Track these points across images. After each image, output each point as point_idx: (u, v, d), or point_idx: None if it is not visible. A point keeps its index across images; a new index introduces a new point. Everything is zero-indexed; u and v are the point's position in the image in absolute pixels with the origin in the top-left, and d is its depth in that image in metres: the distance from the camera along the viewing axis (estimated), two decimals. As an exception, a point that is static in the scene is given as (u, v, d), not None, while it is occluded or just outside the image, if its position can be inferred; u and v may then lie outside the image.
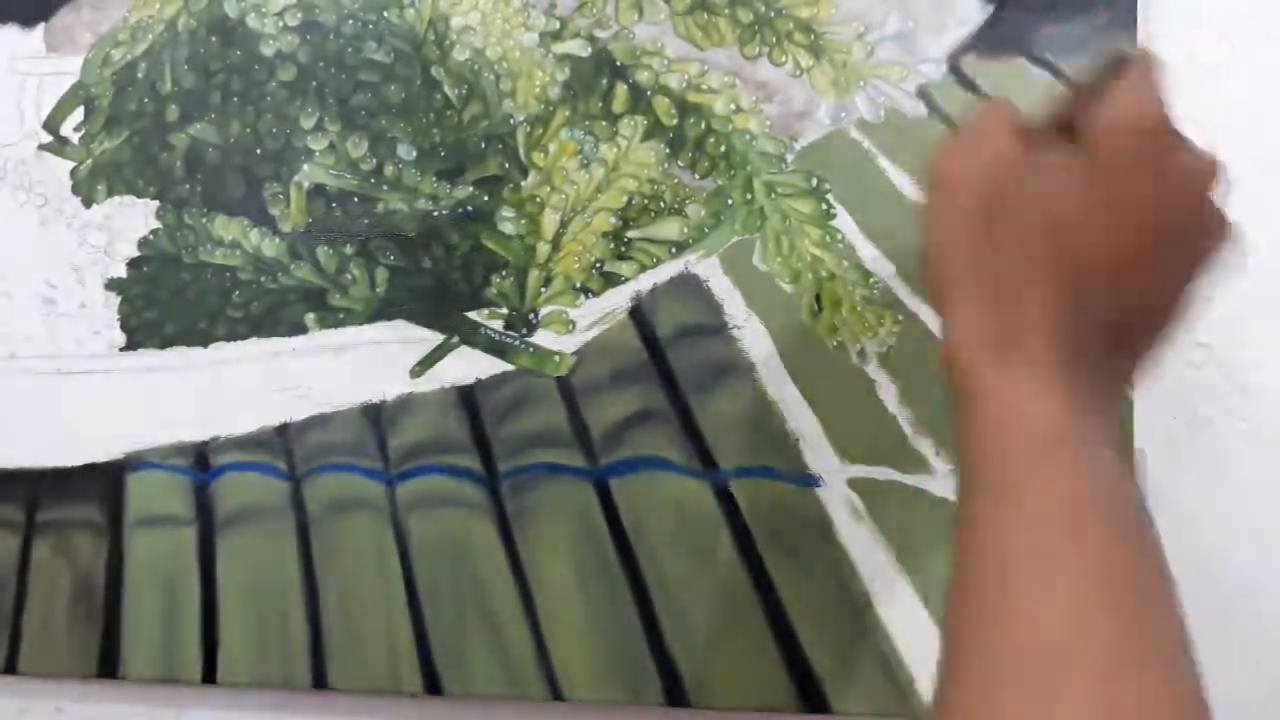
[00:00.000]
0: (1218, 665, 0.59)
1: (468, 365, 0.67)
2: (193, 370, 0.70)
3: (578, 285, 0.65)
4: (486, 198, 0.67)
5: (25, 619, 0.71)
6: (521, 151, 0.66)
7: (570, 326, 0.65)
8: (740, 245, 0.64)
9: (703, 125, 0.64)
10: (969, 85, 0.61)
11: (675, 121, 0.65)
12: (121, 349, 0.72)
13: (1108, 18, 0.60)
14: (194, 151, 0.71)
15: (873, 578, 0.61)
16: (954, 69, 0.62)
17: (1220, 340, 0.60)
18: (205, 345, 0.70)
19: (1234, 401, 0.60)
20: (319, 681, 0.67)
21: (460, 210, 0.67)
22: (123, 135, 0.72)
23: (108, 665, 0.70)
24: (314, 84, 0.69)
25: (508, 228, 0.66)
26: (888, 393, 0.61)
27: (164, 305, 0.71)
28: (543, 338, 0.66)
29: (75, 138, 0.73)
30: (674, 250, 0.64)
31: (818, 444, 0.62)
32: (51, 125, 0.73)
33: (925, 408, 0.61)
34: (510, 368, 0.66)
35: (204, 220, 0.70)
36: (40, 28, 0.74)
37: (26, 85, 0.74)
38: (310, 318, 0.69)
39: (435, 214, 0.67)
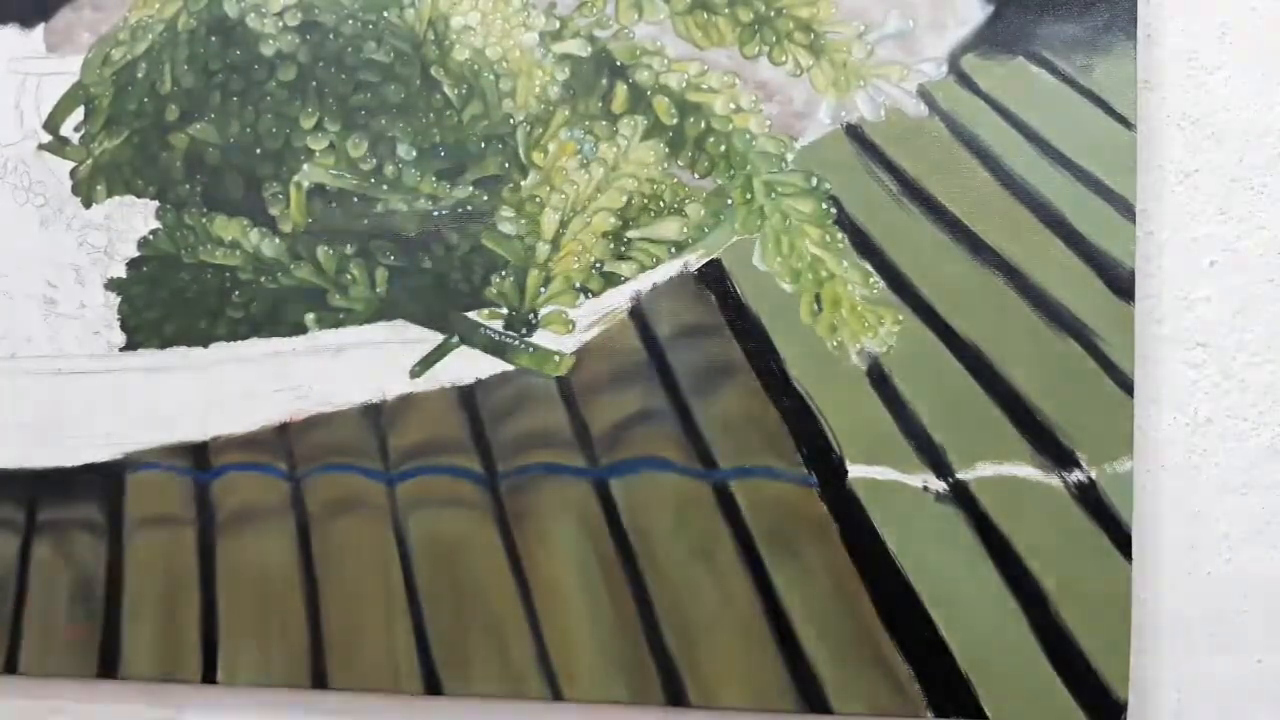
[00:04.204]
0: (1218, 664, 0.60)
1: (468, 365, 0.67)
2: (193, 370, 0.70)
3: (578, 285, 0.65)
4: (486, 198, 0.67)
5: (25, 619, 0.72)
6: (521, 151, 0.66)
7: (570, 326, 0.65)
8: (740, 245, 0.64)
9: (702, 125, 0.64)
10: (969, 84, 0.61)
11: (675, 121, 0.65)
12: (121, 349, 0.72)
13: (1108, 18, 0.60)
14: (194, 151, 0.71)
15: (873, 578, 0.61)
16: (954, 68, 0.62)
17: (1220, 340, 0.60)
18: (205, 345, 0.70)
19: (1234, 401, 0.60)
20: (319, 681, 0.67)
21: (460, 210, 0.67)
22: (123, 135, 0.72)
23: (108, 665, 0.70)
24: (314, 84, 0.69)
25: (508, 228, 0.66)
26: (888, 393, 0.61)
27: (164, 305, 0.71)
28: (543, 338, 0.66)
29: (75, 138, 0.73)
30: (674, 250, 0.64)
31: (818, 444, 0.62)
32: (51, 125, 0.73)
33: (926, 407, 0.61)
34: (510, 368, 0.66)
35: (204, 220, 0.70)
36: (40, 28, 0.74)
37: (26, 85, 0.74)
38: (310, 318, 0.69)
39: (435, 214, 0.67)
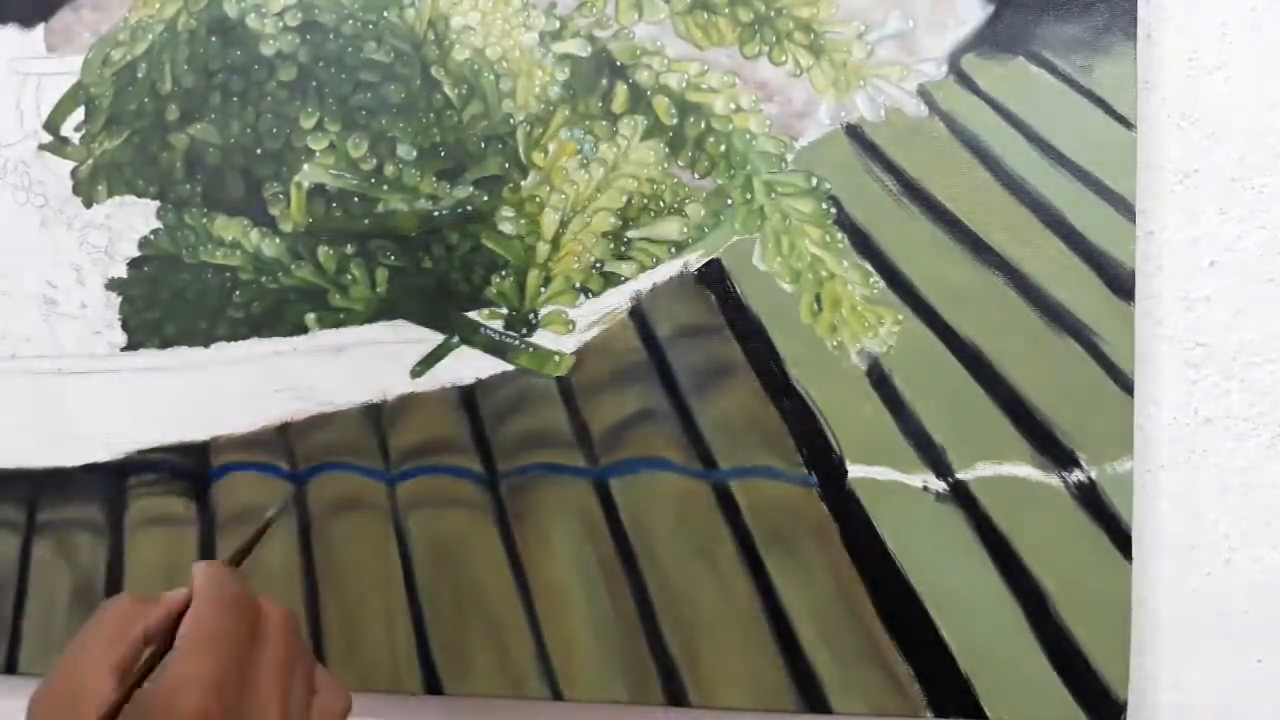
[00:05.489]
0: (1218, 664, 0.60)
1: (468, 365, 0.67)
2: (193, 370, 0.70)
3: (578, 285, 0.65)
4: (486, 198, 0.67)
5: (25, 619, 0.72)
6: (521, 151, 0.66)
7: (570, 326, 0.65)
8: (740, 245, 0.64)
9: (702, 125, 0.64)
10: (969, 84, 0.61)
11: (675, 121, 0.65)
12: (122, 349, 0.72)
13: (1108, 18, 0.60)
14: (194, 151, 0.71)
15: (873, 578, 0.61)
16: (954, 68, 0.62)
17: (1220, 340, 0.60)
18: (206, 345, 0.70)
19: (1234, 401, 0.60)
20: (319, 681, 0.67)
21: (460, 210, 0.67)
22: (123, 135, 0.72)
23: (108, 665, 0.70)
24: (314, 84, 0.69)
25: (508, 228, 0.66)
26: (888, 393, 0.61)
27: (164, 305, 0.71)
28: (543, 338, 0.66)
29: (75, 138, 0.73)
30: (674, 250, 0.64)
31: (818, 444, 0.62)
32: (52, 125, 0.73)
33: (926, 407, 0.61)
34: (510, 368, 0.66)
35: (204, 220, 0.70)
36: (40, 28, 0.74)
37: (26, 85, 0.74)
38: (310, 318, 0.69)
39: (435, 214, 0.67)
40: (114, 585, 0.70)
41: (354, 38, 0.68)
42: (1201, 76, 0.60)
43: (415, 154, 0.68)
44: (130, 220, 0.72)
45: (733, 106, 0.64)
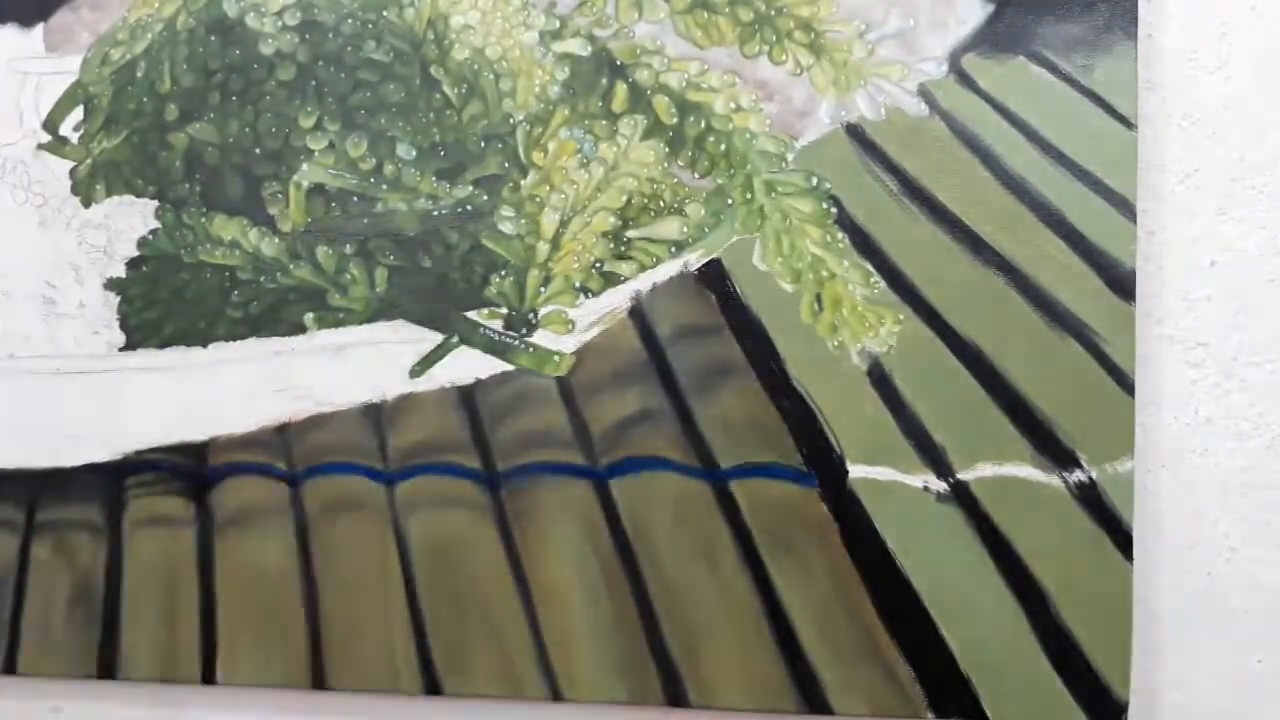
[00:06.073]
0: (1219, 663, 0.60)
1: (468, 365, 0.67)
2: (193, 370, 0.70)
3: (577, 285, 0.65)
4: (486, 197, 0.67)
5: (25, 619, 0.71)
6: (521, 151, 0.66)
7: (570, 326, 0.65)
8: (740, 245, 0.64)
9: (702, 124, 0.64)
10: (970, 84, 0.61)
11: (675, 120, 0.65)
12: (121, 349, 0.72)
13: (1108, 17, 0.60)
14: (193, 151, 0.71)
15: (873, 578, 0.61)
16: (955, 68, 0.62)
17: (1220, 340, 0.60)
18: (205, 345, 0.70)
19: (1234, 401, 0.60)
20: (319, 681, 0.67)
21: (460, 210, 0.67)
22: (122, 135, 0.72)
23: (107, 665, 0.70)
24: (313, 83, 0.69)
25: (507, 227, 0.66)
26: (888, 393, 0.61)
27: (163, 305, 0.71)
28: (542, 338, 0.66)
29: (74, 137, 0.73)
30: (674, 250, 0.64)
31: (818, 444, 0.62)
32: (51, 125, 0.73)
33: (926, 407, 0.61)
34: (510, 368, 0.66)
35: (203, 220, 0.70)
36: (40, 28, 0.74)
37: (26, 85, 0.74)
38: (310, 318, 0.69)
39: (435, 214, 0.67)
40: (113, 585, 0.70)
41: (353, 37, 0.68)
42: (1202, 76, 0.60)
43: (415, 154, 0.68)
44: (129, 220, 0.72)
45: (733, 106, 0.64)
